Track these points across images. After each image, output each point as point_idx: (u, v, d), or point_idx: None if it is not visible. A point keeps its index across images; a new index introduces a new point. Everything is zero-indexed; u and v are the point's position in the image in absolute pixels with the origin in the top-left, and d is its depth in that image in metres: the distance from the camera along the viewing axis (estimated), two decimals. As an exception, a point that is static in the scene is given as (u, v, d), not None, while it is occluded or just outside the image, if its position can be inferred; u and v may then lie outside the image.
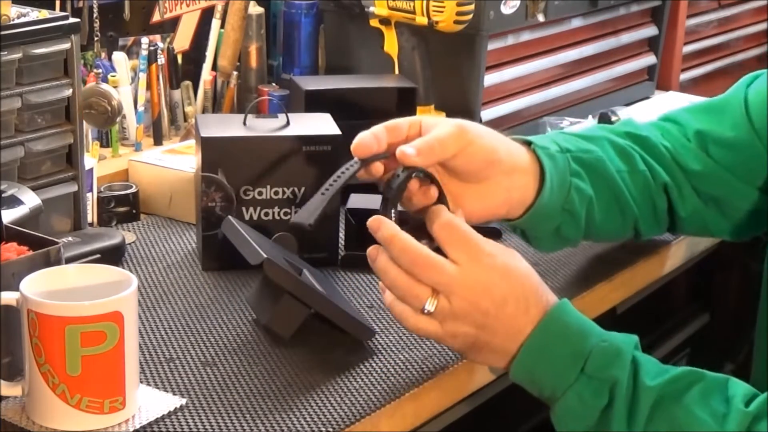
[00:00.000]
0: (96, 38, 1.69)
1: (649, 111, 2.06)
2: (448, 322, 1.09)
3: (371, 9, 1.70)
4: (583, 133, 1.35)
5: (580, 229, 1.30)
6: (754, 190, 1.36)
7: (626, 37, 2.09)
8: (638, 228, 1.37)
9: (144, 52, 1.76)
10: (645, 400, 1.06)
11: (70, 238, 1.36)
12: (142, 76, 1.76)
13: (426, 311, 1.09)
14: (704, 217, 1.39)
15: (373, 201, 1.42)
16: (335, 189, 1.12)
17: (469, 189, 1.18)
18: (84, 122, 1.43)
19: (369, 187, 1.48)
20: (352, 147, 1.13)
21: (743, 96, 1.37)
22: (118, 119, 1.58)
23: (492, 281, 1.08)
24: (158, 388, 1.11)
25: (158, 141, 1.79)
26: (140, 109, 1.75)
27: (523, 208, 1.23)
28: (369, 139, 1.14)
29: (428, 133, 1.14)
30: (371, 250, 1.13)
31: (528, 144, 1.25)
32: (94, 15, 1.67)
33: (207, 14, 1.87)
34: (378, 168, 1.15)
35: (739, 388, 1.07)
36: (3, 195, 1.25)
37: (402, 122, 1.16)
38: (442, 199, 1.14)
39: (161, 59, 1.79)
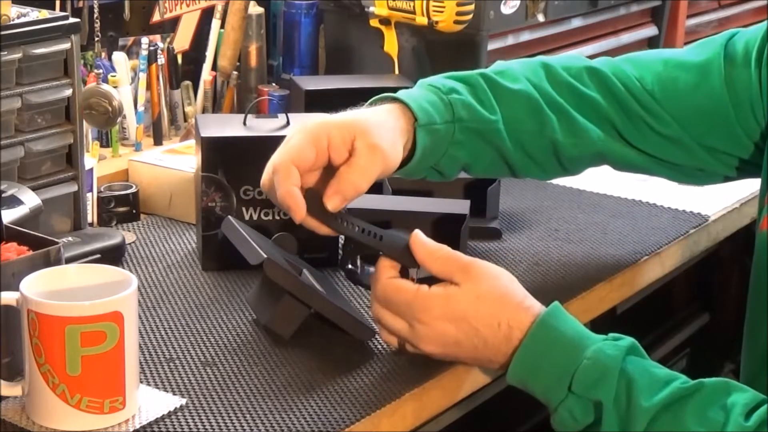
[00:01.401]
0: (97, 38, 1.69)
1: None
2: (419, 346, 1.14)
3: (371, 9, 1.70)
4: (506, 84, 1.31)
5: (447, 179, 1.32)
6: (702, 150, 1.33)
7: (626, 37, 2.09)
8: (529, 176, 1.39)
9: (144, 52, 1.76)
10: (640, 421, 1.05)
11: (70, 238, 1.36)
12: (142, 76, 1.76)
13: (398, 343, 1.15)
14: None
15: (372, 201, 1.42)
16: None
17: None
18: (84, 122, 1.43)
19: (369, 188, 1.49)
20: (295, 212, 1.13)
21: (722, 57, 1.31)
22: (118, 120, 1.58)
23: (443, 331, 1.12)
24: (158, 388, 1.11)
25: (158, 141, 1.79)
26: (140, 109, 1.75)
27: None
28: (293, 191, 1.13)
29: (344, 147, 1.15)
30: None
31: (413, 116, 1.23)
32: (95, 15, 1.67)
33: (207, 14, 1.87)
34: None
35: (741, 395, 1.05)
36: (3, 195, 1.25)
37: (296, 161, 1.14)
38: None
39: (161, 59, 1.80)
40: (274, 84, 1.90)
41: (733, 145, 1.31)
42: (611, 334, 1.11)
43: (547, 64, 1.35)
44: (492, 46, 1.78)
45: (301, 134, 1.15)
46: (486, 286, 1.12)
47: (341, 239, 1.42)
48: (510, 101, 1.31)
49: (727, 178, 1.36)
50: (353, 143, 1.15)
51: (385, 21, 1.70)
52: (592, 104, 1.33)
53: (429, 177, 1.31)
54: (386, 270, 1.14)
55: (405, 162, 1.23)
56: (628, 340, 1.10)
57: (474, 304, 1.11)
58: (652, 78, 1.32)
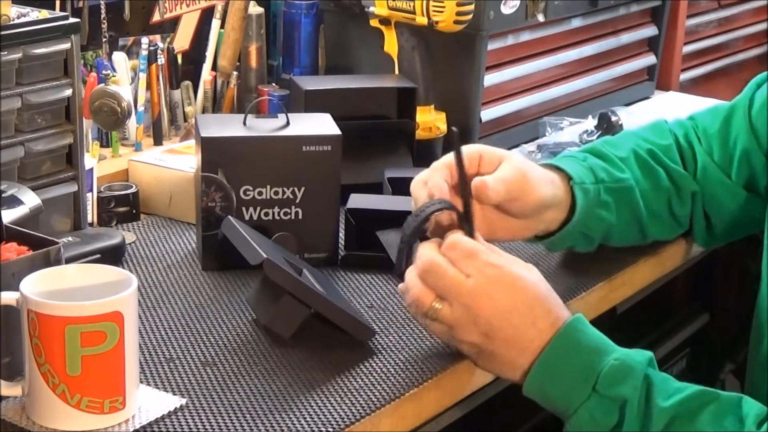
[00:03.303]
0: (105, 39, 1.69)
1: (649, 111, 2.07)
2: (455, 329, 1.12)
3: (371, 9, 1.70)
4: (617, 153, 1.39)
5: (593, 246, 1.39)
6: (749, 194, 1.40)
7: (626, 37, 2.09)
8: (660, 237, 1.45)
9: (144, 52, 1.76)
10: (658, 421, 1.06)
11: (70, 238, 1.35)
12: (142, 76, 1.76)
13: (430, 316, 1.13)
14: (700, 223, 1.44)
15: (373, 201, 1.42)
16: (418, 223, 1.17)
17: (503, 219, 1.25)
18: (84, 122, 1.43)
19: (369, 188, 1.49)
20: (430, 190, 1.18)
21: (749, 98, 1.40)
22: (128, 121, 1.58)
23: (494, 292, 1.11)
24: (158, 388, 1.11)
25: (158, 141, 1.79)
26: (140, 109, 1.75)
27: (546, 234, 1.32)
28: (441, 184, 1.19)
29: (491, 165, 1.23)
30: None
31: (567, 177, 1.31)
32: (102, 16, 1.67)
33: (207, 14, 1.87)
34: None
35: (753, 407, 1.07)
36: (3, 195, 1.25)
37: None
38: (468, 227, 1.16)
39: (161, 59, 1.80)
40: (274, 84, 1.90)
41: None
42: (633, 349, 1.13)
43: (636, 133, 1.46)
44: (492, 46, 1.78)
45: (518, 172, 1.23)
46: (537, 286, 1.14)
47: (341, 239, 1.42)
48: (627, 164, 1.38)
49: None
50: (501, 163, 1.24)
51: (385, 21, 1.70)
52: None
53: (577, 246, 1.37)
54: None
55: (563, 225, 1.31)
56: (648, 352, 1.12)
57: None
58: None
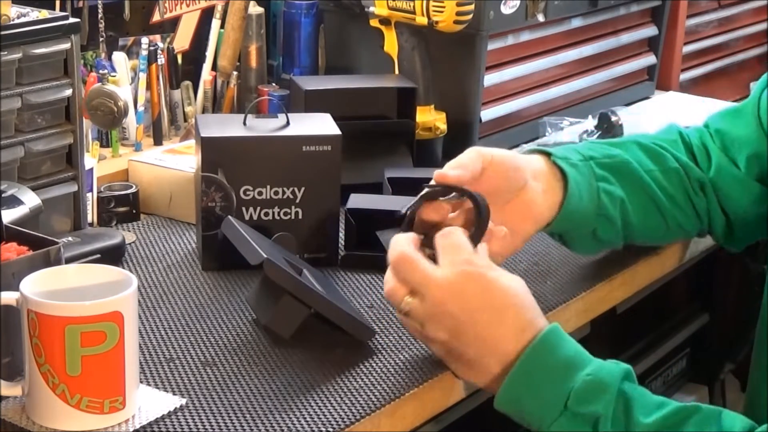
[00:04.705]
0: (102, 39, 1.69)
1: (649, 111, 2.07)
2: (425, 325, 1.11)
3: (371, 9, 1.70)
4: (609, 141, 1.38)
5: (618, 231, 1.33)
6: (760, 188, 1.38)
7: (626, 37, 2.09)
8: (683, 226, 1.39)
9: (144, 52, 1.76)
10: None
11: (70, 238, 1.36)
12: (142, 76, 1.76)
13: (402, 310, 1.11)
14: (720, 223, 1.42)
15: (373, 201, 1.42)
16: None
17: (499, 210, 1.21)
18: (84, 122, 1.43)
19: (369, 188, 1.49)
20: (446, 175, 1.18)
21: (758, 95, 1.38)
22: (124, 120, 1.58)
23: (466, 288, 1.09)
24: (158, 388, 1.11)
25: (158, 141, 1.79)
26: (140, 109, 1.75)
27: (551, 214, 1.26)
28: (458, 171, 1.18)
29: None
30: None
31: (547, 155, 1.28)
32: (99, 15, 1.67)
33: (207, 14, 1.87)
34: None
35: (735, 422, 1.05)
36: (3, 195, 1.25)
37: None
38: (481, 221, 1.16)
39: (161, 59, 1.80)
40: (274, 84, 1.90)
41: None
42: (609, 360, 1.10)
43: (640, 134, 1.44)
44: (492, 46, 1.77)
45: (471, 151, 1.21)
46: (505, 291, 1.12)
47: (341, 239, 1.42)
48: (623, 147, 1.36)
49: None
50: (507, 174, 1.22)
51: (385, 21, 1.70)
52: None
53: (599, 229, 1.31)
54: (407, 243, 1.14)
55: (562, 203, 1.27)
56: (625, 365, 1.09)
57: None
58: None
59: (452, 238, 1.12)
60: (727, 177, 1.39)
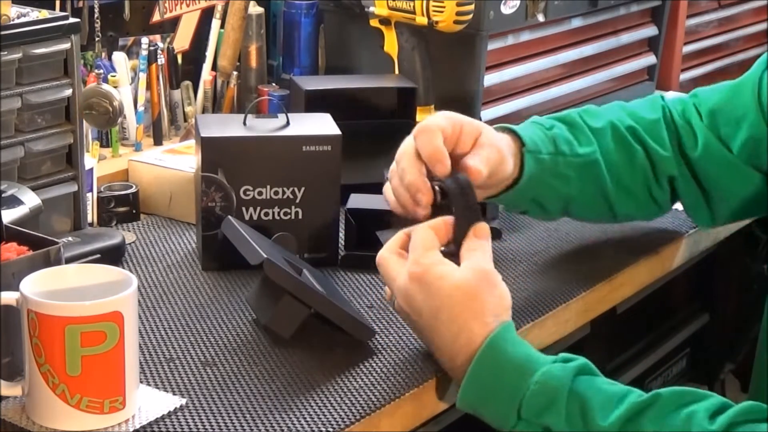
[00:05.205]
0: (97, 38, 1.69)
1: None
2: (406, 322, 1.17)
3: (371, 9, 1.70)
4: (591, 124, 1.38)
5: (550, 216, 1.40)
6: (756, 173, 1.36)
7: (626, 37, 2.09)
8: (633, 216, 1.44)
9: (144, 52, 1.76)
10: None
11: (70, 238, 1.36)
12: (142, 76, 1.76)
13: (395, 308, 1.17)
14: (699, 203, 1.42)
15: (373, 201, 1.42)
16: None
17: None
18: (84, 122, 1.43)
19: (369, 188, 1.49)
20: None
21: (758, 76, 1.36)
22: (119, 120, 1.58)
23: (413, 291, 1.12)
24: (158, 388, 1.11)
25: (158, 141, 1.79)
26: (140, 109, 1.75)
27: (497, 190, 1.30)
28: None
29: (470, 137, 1.22)
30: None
31: (520, 140, 1.30)
32: (95, 15, 1.67)
33: (207, 14, 1.87)
34: None
35: (701, 404, 1.03)
36: (3, 195, 1.25)
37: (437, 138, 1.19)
38: (459, 209, 1.16)
39: (161, 59, 1.80)
40: (274, 84, 1.90)
41: None
42: (561, 355, 1.09)
43: (624, 105, 1.45)
44: (492, 46, 1.77)
45: (438, 116, 1.21)
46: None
47: (341, 239, 1.42)
48: (599, 136, 1.37)
49: None
50: (478, 138, 1.22)
51: (385, 21, 1.69)
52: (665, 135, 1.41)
53: (531, 212, 1.37)
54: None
55: (509, 187, 1.30)
56: (578, 361, 1.08)
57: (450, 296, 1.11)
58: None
59: (414, 235, 1.15)
60: (714, 158, 1.38)
